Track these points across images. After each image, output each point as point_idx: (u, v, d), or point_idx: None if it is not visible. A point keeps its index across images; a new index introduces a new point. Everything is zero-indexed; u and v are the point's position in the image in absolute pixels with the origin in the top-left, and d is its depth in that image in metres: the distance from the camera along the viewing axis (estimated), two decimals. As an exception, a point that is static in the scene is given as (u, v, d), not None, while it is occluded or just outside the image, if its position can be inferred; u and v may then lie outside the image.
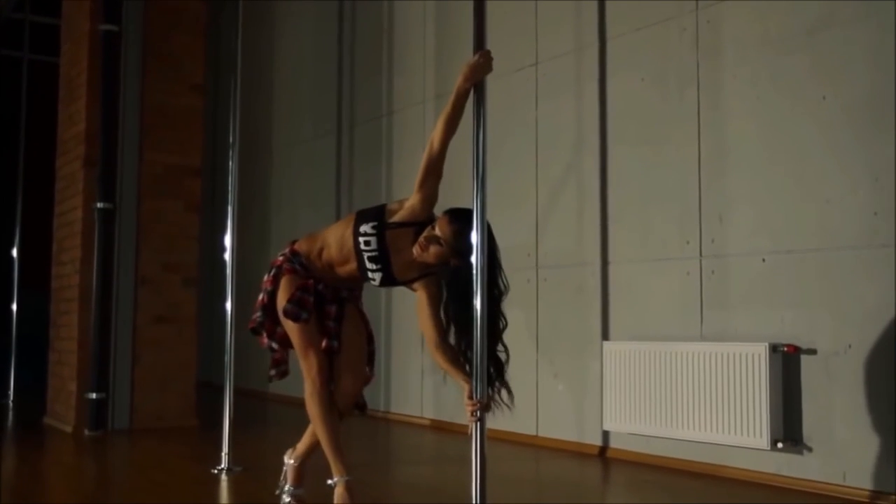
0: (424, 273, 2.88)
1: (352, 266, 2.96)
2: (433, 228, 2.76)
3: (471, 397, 2.61)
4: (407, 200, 2.88)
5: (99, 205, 5.30)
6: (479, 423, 2.57)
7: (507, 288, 2.78)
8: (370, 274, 2.92)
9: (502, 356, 2.76)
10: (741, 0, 3.88)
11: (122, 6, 5.49)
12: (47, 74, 6.97)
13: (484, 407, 2.59)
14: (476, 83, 2.66)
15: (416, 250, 2.79)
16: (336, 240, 2.98)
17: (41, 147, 7.10)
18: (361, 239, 2.88)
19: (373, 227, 2.87)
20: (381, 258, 2.87)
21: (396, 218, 2.86)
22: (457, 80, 2.68)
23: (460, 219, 2.72)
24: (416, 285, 2.91)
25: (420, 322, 2.91)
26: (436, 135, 2.76)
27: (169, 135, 5.60)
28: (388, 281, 2.92)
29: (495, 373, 2.70)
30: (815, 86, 3.56)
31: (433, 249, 2.76)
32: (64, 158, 5.87)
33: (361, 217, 2.93)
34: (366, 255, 2.88)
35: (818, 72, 3.56)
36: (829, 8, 3.53)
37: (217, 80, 8.03)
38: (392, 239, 2.85)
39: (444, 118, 2.73)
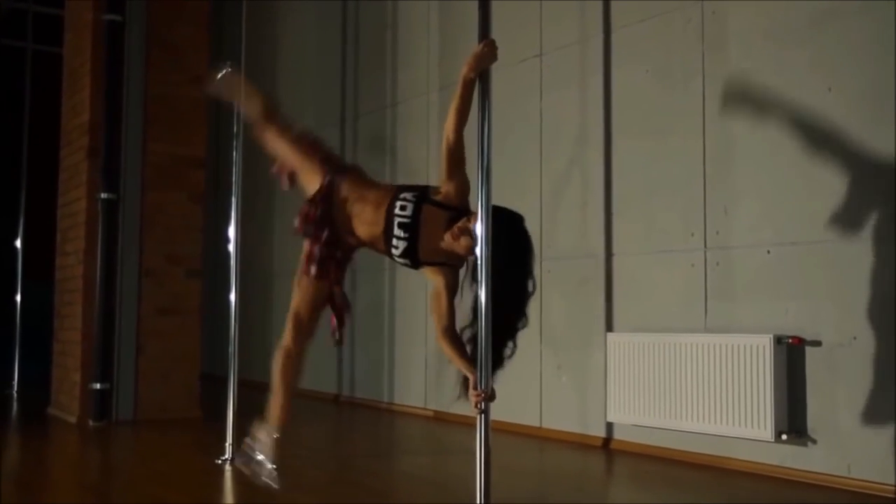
0: (446, 262, 2.84)
1: (377, 229, 2.89)
2: (469, 221, 2.72)
3: (475, 388, 2.61)
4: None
5: (102, 195, 5.29)
6: (483, 415, 2.57)
7: (534, 289, 2.76)
8: (394, 241, 2.83)
9: (507, 352, 2.73)
10: (747, -9, 3.86)
11: (125, -5, 5.49)
12: (51, 64, 6.95)
13: (489, 397, 2.59)
14: (481, 72, 2.65)
15: (447, 237, 2.76)
16: (375, 197, 2.92)
17: (45, 137, 7.09)
18: (398, 203, 2.82)
19: (413, 196, 2.82)
20: (412, 228, 2.80)
21: (437, 197, 2.82)
22: (462, 70, 2.67)
23: (498, 221, 2.67)
24: (433, 270, 2.86)
25: (432, 308, 2.88)
26: (448, 125, 2.74)
27: (172, 125, 5.59)
28: (409, 254, 2.84)
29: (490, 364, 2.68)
30: (821, 77, 3.54)
31: (464, 241, 2.73)
32: (67, 149, 5.87)
33: (403, 187, 2.90)
34: (397, 220, 2.81)
35: (824, 63, 3.54)
36: (834, 0, 3.52)
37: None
38: (427, 215, 2.79)
39: (454, 108, 2.72)
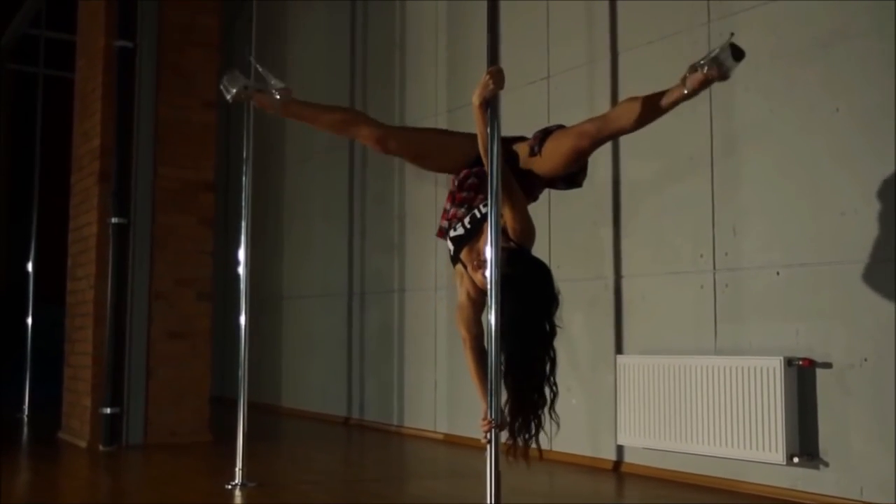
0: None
1: (461, 210, 2.83)
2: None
3: (486, 418, 2.58)
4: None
5: (113, 220, 5.32)
6: (492, 444, 2.54)
7: (552, 332, 2.67)
8: (458, 226, 2.78)
9: (547, 394, 2.65)
10: (753, 12, 3.87)
11: (137, 22, 5.54)
12: (62, 89, 7.02)
13: (498, 426, 2.56)
14: (489, 100, 2.66)
15: (470, 265, 2.72)
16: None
17: (56, 162, 7.15)
18: (485, 201, 2.74)
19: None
20: (475, 225, 2.75)
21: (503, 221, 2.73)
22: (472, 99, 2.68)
23: (512, 265, 2.59)
24: (465, 276, 2.79)
25: (458, 321, 2.83)
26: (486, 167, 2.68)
27: (183, 150, 5.63)
28: (457, 243, 2.79)
29: (529, 409, 2.60)
30: (829, 98, 3.55)
31: (479, 277, 2.68)
32: (79, 174, 5.90)
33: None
34: (475, 211, 2.77)
35: (831, 84, 3.55)
36: (842, 20, 3.52)
37: (230, 95, 8.06)
38: (487, 228, 2.70)
39: (481, 146, 2.68)
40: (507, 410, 2.63)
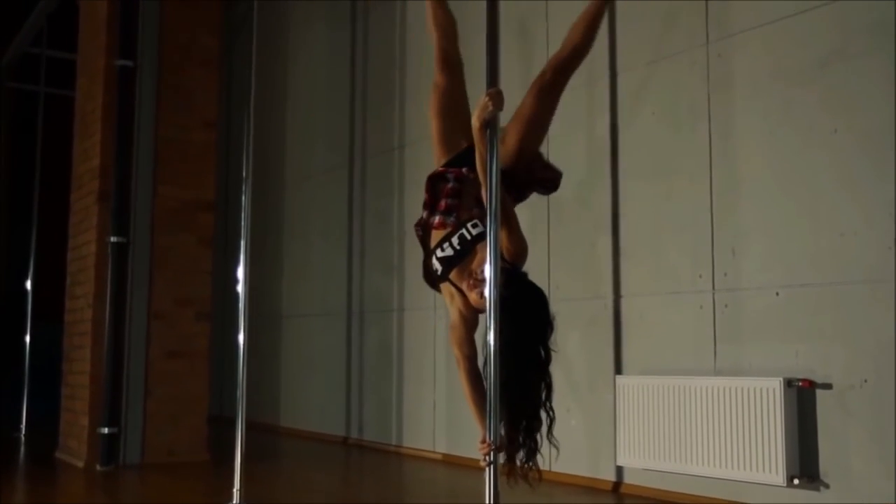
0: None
1: (449, 227, 2.81)
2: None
3: (484, 441, 2.57)
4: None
5: (112, 239, 5.32)
6: (491, 466, 2.53)
7: (547, 358, 2.65)
8: (446, 245, 2.76)
9: (543, 419, 2.64)
10: (752, 33, 3.89)
11: (138, 41, 5.55)
12: (63, 108, 7.03)
13: (497, 449, 2.55)
14: (489, 121, 2.66)
15: (464, 284, 2.70)
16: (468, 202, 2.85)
17: (56, 180, 7.15)
18: (474, 220, 2.76)
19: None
20: (465, 246, 2.74)
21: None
22: (472, 121, 2.69)
23: (510, 287, 2.57)
24: (453, 295, 2.77)
25: (451, 339, 2.81)
26: (483, 188, 2.67)
27: (182, 169, 5.64)
28: (446, 264, 2.76)
29: (525, 433, 2.60)
30: (827, 118, 3.55)
31: (475, 296, 2.66)
32: (78, 193, 5.91)
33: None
34: (462, 231, 2.75)
35: (830, 104, 3.56)
36: (840, 41, 3.53)
37: (230, 113, 8.09)
38: (480, 248, 2.70)
39: (480, 167, 2.67)
40: (503, 434, 2.61)
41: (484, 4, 2.77)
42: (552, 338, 2.70)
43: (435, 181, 2.92)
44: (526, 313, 2.61)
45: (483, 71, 2.72)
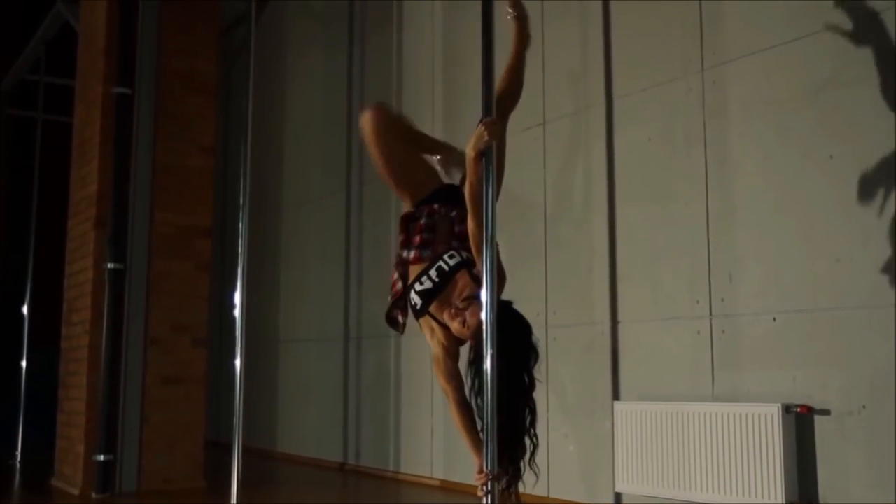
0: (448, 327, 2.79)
1: (426, 263, 2.86)
2: (468, 306, 2.69)
3: (481, 471, 2.56)
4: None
5: (109, 265, 5.32)
6: (489, 496, 2.52)
7: (531, 385, 2.70)
8: (424, 279, 2.80)
9: (527, 445, 2.69)
10: (747, 59, 3.91)
11: (136, 68, 5.58)
12: (61, 134, 7.05)
13: (495, 478, 2.54)
14: (484, 151, 2.67)
15: (446, 314, 2.73)
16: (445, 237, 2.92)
17: (53, 206, 7.16)
18: (451, 252, 2.80)
19: (463, 255, 2.78)
20: (444, 278, 2.78)
21: (476, 271, 2.75)
22: (467, 150, 2.70)
23: (509, 328, 2.65)
24: (433, 328, 2.80)
25: (437, 374, 2.83)
26: (470, 217, 2.71)
27: (179, 195, 5.64)
28: (425, 297, 2.79)
29: (509, 460, 2.63)
30: (823, 144, 3.57)
31: (457, 325, 2.70)
32: (75, 219, 5.91)
33: (462, 242, 2.84)
34: (440, 263, 2.79)
35: (825, 130, 3.57)
36: (834, 68, 3.56)
37: (227, 139, 8.11)
38: (459, 278, 2.76)
39: (469, 196, 2.70)
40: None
41: (479, 17, 2.80)
42: (536, 365, 2.71)
43: (408, 220, 2.96)
44: (510, 341, 2.62)
45: (478, 77, 2.72)
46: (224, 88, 7.43)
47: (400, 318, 3.04)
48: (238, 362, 4.25)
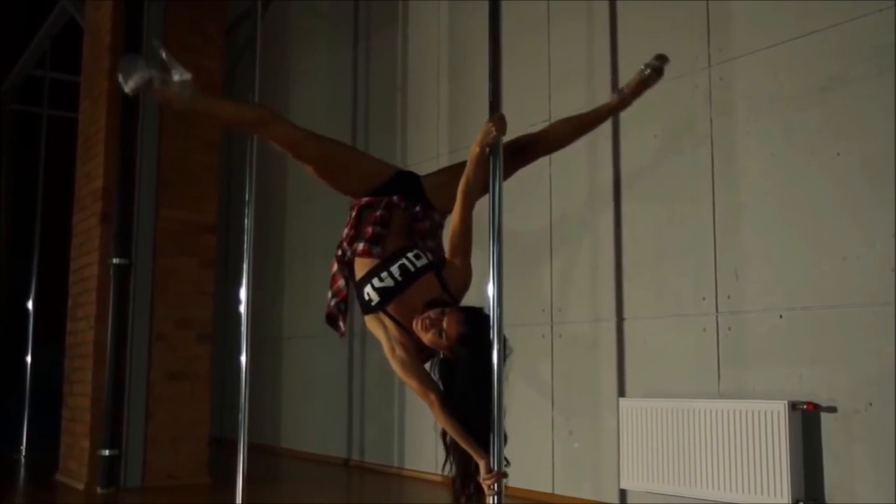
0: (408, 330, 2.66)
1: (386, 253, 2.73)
2: (443, 315, 2.55)
3: (489, 471, 2.54)
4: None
5: (115, 261, 5.32)
6: (497, 495, 2.52)
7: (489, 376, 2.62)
8: (384, 275, 2.66)
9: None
10: (753, 57, 3.90)
11: (141, 65, 5.57)
12: (66, 130, 7.06)
13: (504, 476, 2.53)
14: (490, 147, 2.66)
15: (416, 323, 2.59)
16: (399, 230, 2.81)
17: (58, 202, 7.16)
18: (416, 251, 2.69)
19: (431, 257, 2.67)
20: (407, 278, 2.66)
21: (445, 274, 2.66)
22: (472, 146, 2.69)
23: (472, 324, 2.56)
24: (385, 326, 2.68)
25: (406, 378, 2.70)
26: (455, 210, 2.63)
27: (185, 191, 5.64)
28: (385, 294, 2.66)
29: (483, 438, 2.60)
30: (829, 142, 3.56)
31: (431, 336, 2.56)
32: (80, 215, 5.91)
33: (429, 241, 2.76)
34: (403, 261, 2.68)
35: (832, 128, 3.57)
36: (841, 66, 3.55)
37: (231, 136, 8.10)
38: (425, 281, 2.66)
39: (460, 190, 2.65)
40: (462, 459, 2.65)
41: (485, 15, 2.79)
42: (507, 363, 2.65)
43: (363, 209, 2.83)
44: (487, 346, 2.58)
45: (484, 75, 2.71)
46: (229, 85, 7.43)
47: (342, 323, 2.89)
48: (243, 359, 4.26)
